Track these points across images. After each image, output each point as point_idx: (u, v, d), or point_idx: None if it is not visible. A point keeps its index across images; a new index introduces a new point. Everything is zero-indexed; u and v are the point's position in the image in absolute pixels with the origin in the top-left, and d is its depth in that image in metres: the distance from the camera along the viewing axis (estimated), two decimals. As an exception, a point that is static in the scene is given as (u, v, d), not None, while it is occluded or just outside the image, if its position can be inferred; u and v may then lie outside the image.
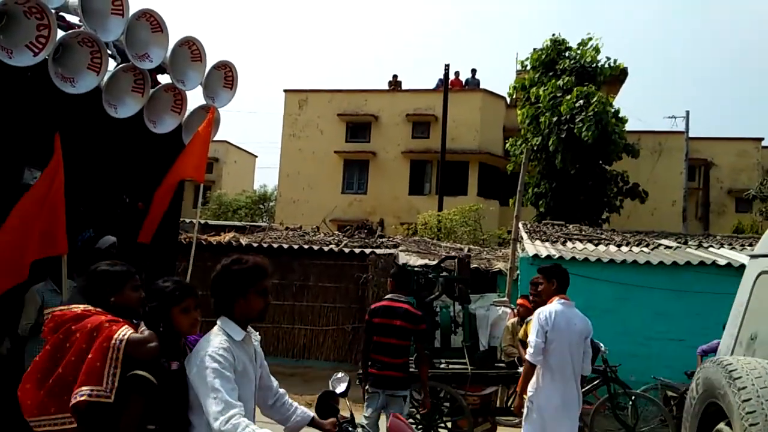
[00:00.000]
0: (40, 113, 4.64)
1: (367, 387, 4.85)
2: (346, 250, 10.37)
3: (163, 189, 5.87)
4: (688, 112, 22.81)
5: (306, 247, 10.42)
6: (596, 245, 10.33)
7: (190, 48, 6.02)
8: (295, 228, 13.56)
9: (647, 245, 10.34)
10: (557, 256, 8.93)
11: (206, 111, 6.30)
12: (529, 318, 5.70)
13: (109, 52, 5.28)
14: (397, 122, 24.36)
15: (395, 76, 26.21)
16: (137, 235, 5.65)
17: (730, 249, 10.23)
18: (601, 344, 6.16)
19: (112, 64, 5.37)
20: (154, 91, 5.70)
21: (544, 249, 9.38)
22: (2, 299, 3.95)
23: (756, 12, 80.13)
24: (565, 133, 15.50)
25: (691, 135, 22.48)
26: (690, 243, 10.85)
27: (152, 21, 5.50)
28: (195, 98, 6.23)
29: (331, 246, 10.64)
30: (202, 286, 10.01)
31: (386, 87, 26.02)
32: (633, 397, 6.37)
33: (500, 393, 6.91)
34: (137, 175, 5.76)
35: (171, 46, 5.72)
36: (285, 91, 25.56)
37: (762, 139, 24.05)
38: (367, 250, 10.32)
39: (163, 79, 6.12)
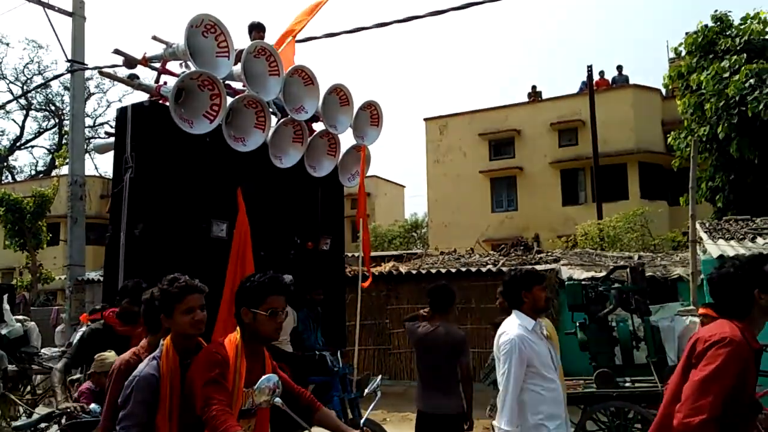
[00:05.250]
0: (221, 172, 5.22)
1: None
2: (505, 269, 10.17)
3: (364, 237, 6.32)
4: None
5: (464, 269, 10.40)
6: (795, 238, 9.03)
7: (338, 94, 6.43)
8: (450, 252, 13.61)
9: None
10: (747, 254, 7.95)
11: (358, 150, 6.65)
12: None
13: (270, 109, 5.83)
14: (542, 133, 23.63)
15: (534, 87, 25.58)
16: (310, 273, 6.07)
17: None
18: None
19: (273, 120, 5.90)
20: (311, 139, 6.16)
21: (730, 248, 8.42)
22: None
23: None
24: (737, 117, 13.88)
25: None
26: None
27: (303, 75, 5.97)
28: (346, 139, 6.61)
29: (489, 266, 10.51)
30: (369, 313, 10.51)
31: (526, 99, 25.45)
32: None
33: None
34: (304, 217, 6.21)
35: (321, 95, 6.15)
36: (425, 119, 26.08)
37: None
38: (527, 267, 10.05)
39: (317, 126, 6.57)
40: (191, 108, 5.07)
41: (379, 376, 2.97)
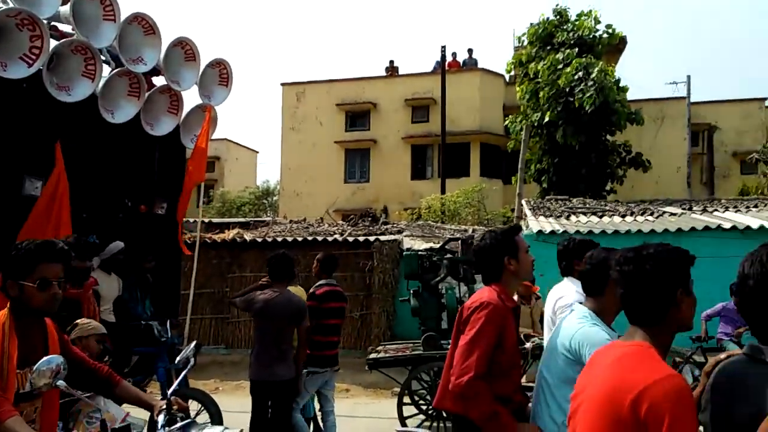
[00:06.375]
0: (38, 123, 4.70)
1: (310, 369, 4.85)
2: (350, 239, 10.41)
3: (182, 197, 5.97)
4: (689, 77, 22.62)
5: (310, 238, 10.47)
6: (600, 217, 10.34)
7: (184, 48, 6.06)
8: (299, 221, 13.63)
9: (652, 213, 10.35)
10: (561, 230, 8.96)
11: (203, 110, 6.36)
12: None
13: (103, 58, 5.34)
14: (397, 108, 24.31)
15: (392, 62, 26.11)
16: (142, 238, 5.73)
17: (735, 212, 10.22)
18: None
19: (106, 70, 5.43)
20: (149, 94, 5.76)
21: (548, 224, 9.41)
22: None
23: (753, -29, 78.88)
24: (562, 105, 15.43)
25: (693, 100, 22.28)
26: (695, 208, 10.85)
27: (144, 24, 5.54)
28: (191, 98, 6.29)
29: (335, 236, 10.69)
30: (209, 281, 10.23)
31: (383, 73, 25.93)
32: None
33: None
34: (137, 177, 5.84)
35: (164, 47, 5.76)
36: (282, 84, 25.54)
37: (765, 99, 23.79)
38: (372, 238, 10.37)
39: (158, 81, 6.16)
40: (6, 49, 4.51)
41: (193, 343, 2.90)
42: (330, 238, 10.47)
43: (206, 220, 13.99)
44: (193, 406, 4.94)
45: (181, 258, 6.59)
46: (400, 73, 25.68)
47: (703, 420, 1.54)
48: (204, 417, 4.76)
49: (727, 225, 8.71)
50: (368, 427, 6.55)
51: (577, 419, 1.66)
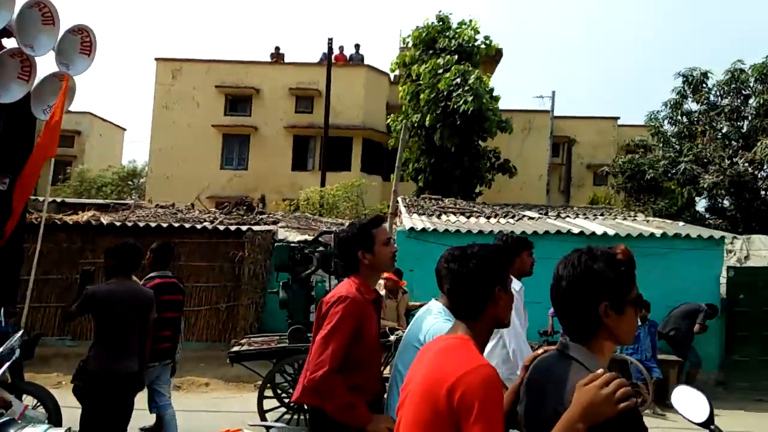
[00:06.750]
0: None
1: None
2: (221, 227, 10.05)
3: (27, 174, 5.38)
4: (554, 93, 24.79)
5: (176, 225, 9.92)
6: (468, 218, 10.91)
7: (41, 10, 5.53)
8: (167, 205, 12.90)
9: (513, 216, 11.10)
10: (432, 228, 9.32)
11: (60, 79, 5.83)
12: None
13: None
14: (280, 96, 23.85)
15: (277, 48, 25.57)
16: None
17: (585, 218, 11.27)
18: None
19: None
20: (-5, 56, 5.17)
21: (420, 222, 9.75)
22: None
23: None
24: (441, 108, 16.05)
25: (556, 114, 24.26)
26: (550, 214, 11.80)
27: (-11, -23, 4.95)
28: (46, 65, 5.74)
29: (204, 224, 10.25)
30: (56, 267, 9.40)
31: (268, 59, 25.31)
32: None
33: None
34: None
35: (17, 7, 5.23)
36: (156, 59, 24.04)
37: (618, 118, 26.46)
38: (244, 227, 10.09)
39: (9, 43, 5.59)
40: None
41: (20, 332, 2.65)
42: (199, 226, 10.01)
43: (59, 199, 12.83)
44: (29, 401, 4.51)
45: (24, 239, 5.97)
46: (286, 61, 25.23)
47: (521, 412, 1.67)
48: (41, 413, 4.36)
49: (576, 230, 9.56)
50: (229, 421, 6.35)
51: (404, 410, 1.73)
